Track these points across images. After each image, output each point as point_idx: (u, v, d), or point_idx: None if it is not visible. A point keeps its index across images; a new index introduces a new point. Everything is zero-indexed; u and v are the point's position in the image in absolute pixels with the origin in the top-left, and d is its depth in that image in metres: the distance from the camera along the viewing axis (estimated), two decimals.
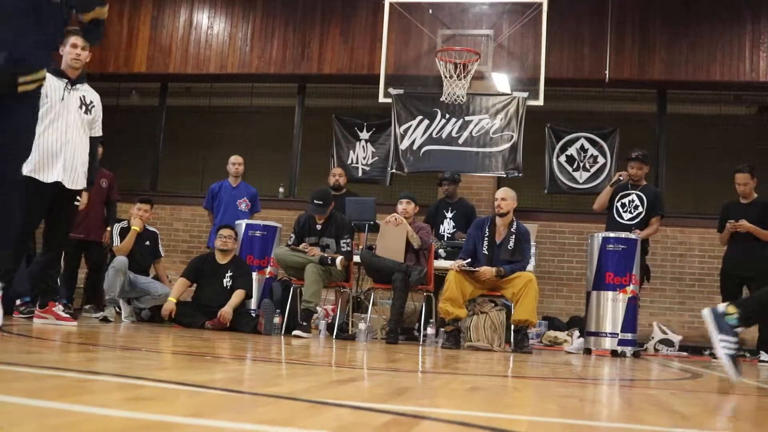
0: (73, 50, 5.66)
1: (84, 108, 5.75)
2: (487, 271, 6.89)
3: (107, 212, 8.56)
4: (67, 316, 5.73)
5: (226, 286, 7.47)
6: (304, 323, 7.07)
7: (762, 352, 7.66)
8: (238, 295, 7.36)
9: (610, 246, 7.47)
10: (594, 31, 10.52)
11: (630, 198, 7.99)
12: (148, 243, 8.10)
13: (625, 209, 7.98)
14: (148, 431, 1.41)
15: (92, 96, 5.86)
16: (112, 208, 8.58)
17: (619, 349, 7.33)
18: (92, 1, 4.15)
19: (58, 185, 5.55)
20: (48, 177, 5.52)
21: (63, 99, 5.62)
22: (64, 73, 5.68)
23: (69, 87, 5.67)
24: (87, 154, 5.77)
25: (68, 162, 5.60)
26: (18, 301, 6.53)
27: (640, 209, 7.91)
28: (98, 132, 5.92)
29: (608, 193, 8.17)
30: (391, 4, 10.16)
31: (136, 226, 7.93)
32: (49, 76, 5.46)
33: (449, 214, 9.04)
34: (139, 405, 1.74)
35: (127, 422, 1.48)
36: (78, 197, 5.77)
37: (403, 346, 6.67)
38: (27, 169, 5.26)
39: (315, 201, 7.46)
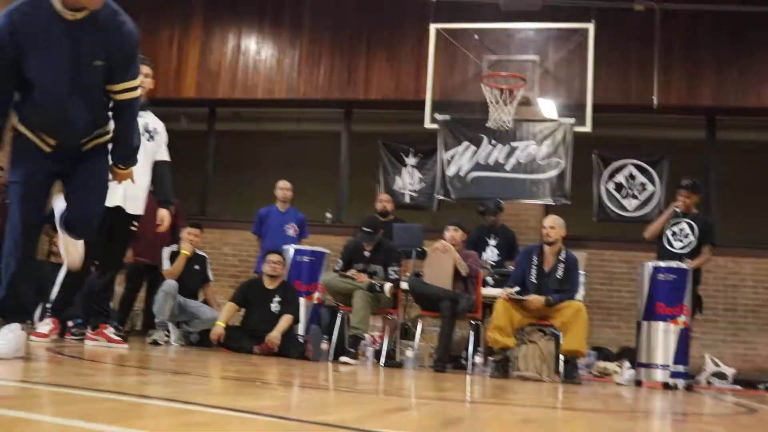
0: (145, 79, 5.73)
1: (147, 135, 5.84)
2: (536, 299, 6.82)
3: (172, 238, 8.62)
4: (119, 338, 5.79)
5: (275, 311, 7.49)
6: (352, 350, 7.05)
7: None
8: (286, 320, 7.37)
9: (661, 276, 7.35)
10: (641, 56, 10.42)
11: (680, 226, 7.86)
12: (197, 267, 8.17)
13: (675, 238, 7.85)
14: None
15: (155, 123, 5.97)
16: (177, 234, 8.62)
17: (671, 381, 7.18)
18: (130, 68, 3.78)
19: (118, 210, 5.63)
20: (109, 201, 5.59)
21: None
22: None
23: None
24: (149, 180, 5.88)
25: (129, 188, 5.66)
26: (70, 323, 6.62)
27: (691, 238, 7.78)
28: (164, 156, 6.04)
29: (662, 222, 8.05)
30: (437, 30, 10.18)
31: (186, 250, 8.00)
32: None
33: (492, 242, 8.98)
34: (192, 430, 1.73)
35: None
36: (135, 222, 5.85)
37: (450, 375, 6.61)
38: None
39: (364, 229, 7.48)
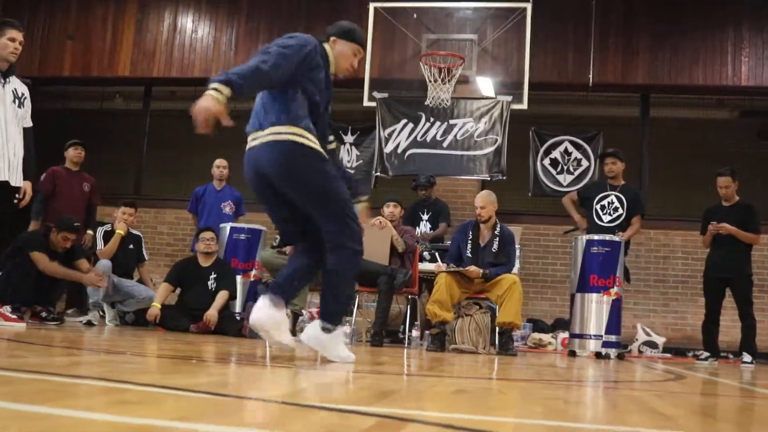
0: (11, 43, 5.51)
1: (17, 102, 5.62)
2: (474, 269, 6.90)
3: (88, 216, 8.44)
4: (15, 317, 5.69)
5: (211, 288, 7.46)
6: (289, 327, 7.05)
7: (745, 353, 7.71)
8: (222, 297, 7.36)
9: (594, 248, 7.51)
10: (578, 35, 10.58)
11: (609, 199, 8.03)
12: (131, 246, 8.07)
13: (604, 211, 8.02)
14: None
15: (22, 88, 5.71)
16: (93, 213, 8.49)
17: (603, 351, 7.36)
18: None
19: (4, 184, 5.46)
20: None
21: None
22: None
23: (3, 81, 5.56)
24: (22, 148, 5.64)
25: (12, 160, 5.50)
26: None
27: (621, 211, 7.95)
28: (29, 123, 5.76)
29: (571, 208, 8.43)
30: (375, 9, 10.18)
31: (120, 230, 7.90)
32: None
33: (425, 216, 9.13)
34: (125, 409, 1.73)
35: (113, 426, 1.48)
36: (17, 195, 5.63)
37: (388, 349, 6.67)
38: None
39: None
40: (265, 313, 3.89)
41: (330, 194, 3.98)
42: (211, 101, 3.61)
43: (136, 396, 2.04)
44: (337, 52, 4.25)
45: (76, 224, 6.98)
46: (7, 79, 5.55)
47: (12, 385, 2.11)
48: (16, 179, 5.56)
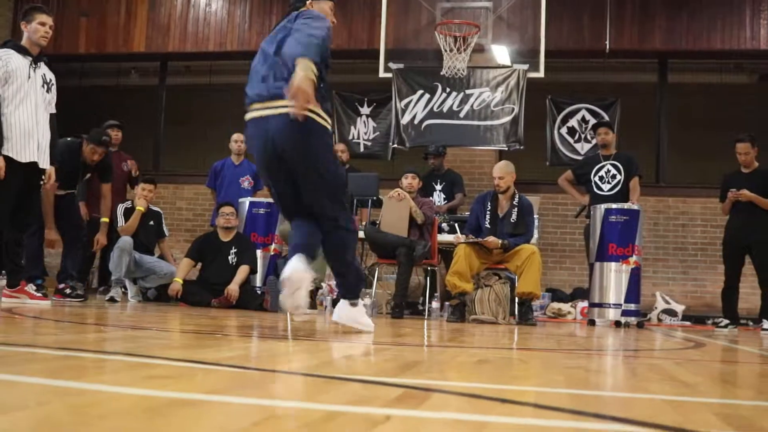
0: (42, 28, 5.60)
1: (46, 87, 5.72)
2: (493, 240, 6.92)
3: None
4: (40, 295, 5.77)
5: (232, 263, 7.52)
6: (309, 299, 7.10)
7: (765, 320, 7.70)
8: (243, 271, 7.41)
9: (613, 217, 7.50)
10: (593, 2, 10.48)
11: (606, 169, 8.08)
12: (152, 223, 8.13)
13: (603, 181, 8.08)
14: (174, 408, 1.45)
15: (50, 74, 5.82)
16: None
17: (623, 319, 7.39)
18: None
19: (31, 165, 5.56)
20: (24, 157, 5.51)
21: (30, 78, 5.58)
22: (27, 51, 5.63)
23: (33, 65, 5.63)
24: (49, 132, 5.76)
25: (41, 142, 5.61)
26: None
27: (618, 177, 8.01)
28: (53, 109, 5.86)
29: (569, 188, 8.49)
30: None
31: (140, 206, 7.95)
32: (14, 53, 5.47)
33: (438, 186, 9.14)
34: (158, 383, 1.78)
35: (148, 400, 1.52)
36: (43, 177, 5.75)
37: (408, 321, 6.72)
38: (5, 150, 5.32)
39: None
40: (300, 272, 3.91)
41: (336, 178, 4.07)
42: (311, 84, 3.60)
43: (166, 371, 2.09)
44: (320, 10, 4.23)
45: (104, 138, 7.05)
46: (38, 64, 5.64)
47: (45, 362, 2.16)
48: (44, 161, 5.68)
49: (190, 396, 1.62)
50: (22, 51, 5.56)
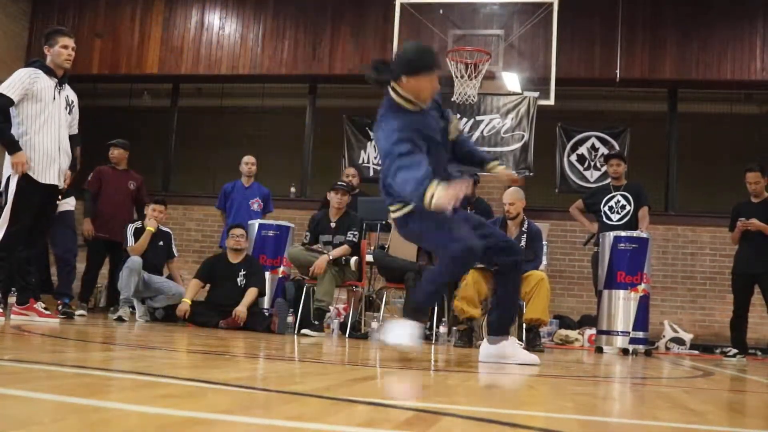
0: (65, 51, 5.71)
1: (68, 108, 5.80)
2: None
3: (137, 214, 8.66)
4: (49, 313, 5.80)
5: (240, 284, 7.53)
6: (316, 322, 7.12)
7: None
8: (251, 294, 7.42)
9: (622, 245, 7.50)
10: (605, 30, 10.55)
11: (616, 199, 8.13)
12: (161, 243, 8.17)
13: (612, 211, 8.13)
14: (186, 427, 1.46)
15: (73, 96, 5.92)
16: (141, 209, 8.61)
17: (631, 347, 7.36)
18: None
19: (50, 187, 5.64)
20: (45, 178, 5.58)
21: (54, 99, 5.66)
22: (54, 72, 5.70)
23: (58, 87, 5.70)
24: (70, 153, 5.87)
25: (62, 166, 5.70)
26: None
27: (628, 208, 8.07)
28: (75, 130, 5.98)
29: (579, 216, 8.54)
30: (401, 5, 10.20)
31: (150, 227, 8.00)
32: (42, 73, 5.55)
33: None
34: (170, 402, 1.79)
35: (162, 419, 1.54)
36: (59, 196, 5.91)
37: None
38: (29, 170, 5.40)
39: (338, 183, 7.86)
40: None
41: None
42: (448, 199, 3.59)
43: (176, 390, 2.10)
44: (412, 88, 4.07)
45: None
46: (63, 86, 5.73)
47: (58, 379, 2.18)
48: (62, 182, 5.82)
49: (202, 415, 1.63)
50: (50, 72, 5.65)
